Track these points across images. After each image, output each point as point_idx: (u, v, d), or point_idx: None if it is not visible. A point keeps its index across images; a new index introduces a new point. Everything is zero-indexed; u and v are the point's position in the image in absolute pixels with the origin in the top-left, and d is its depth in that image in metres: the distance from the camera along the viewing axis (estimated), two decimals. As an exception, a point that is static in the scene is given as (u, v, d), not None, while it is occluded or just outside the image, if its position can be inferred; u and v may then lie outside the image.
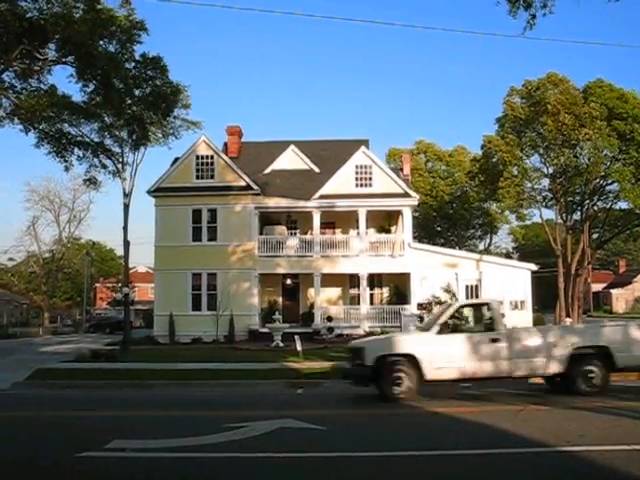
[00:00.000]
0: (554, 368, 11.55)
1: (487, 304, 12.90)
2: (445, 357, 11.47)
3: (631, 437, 7.43)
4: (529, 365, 11.55)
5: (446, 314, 12.28)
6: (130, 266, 40.69)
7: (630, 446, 6.92)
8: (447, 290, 19.81)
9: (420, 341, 12.09)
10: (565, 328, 13.83)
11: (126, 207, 28.18)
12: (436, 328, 11.97)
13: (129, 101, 27.04)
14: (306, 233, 31.95)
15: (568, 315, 31.13)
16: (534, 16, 11.48)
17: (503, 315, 13.07)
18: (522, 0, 11.37)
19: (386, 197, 30.72)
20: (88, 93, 26.21)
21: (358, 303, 30.80)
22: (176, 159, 32.43)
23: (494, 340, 11.55)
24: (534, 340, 11.93)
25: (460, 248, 50.96)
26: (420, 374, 11.36)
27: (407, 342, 12.24)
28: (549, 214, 38.62)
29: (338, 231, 32.87)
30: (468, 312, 12.87)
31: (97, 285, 73.29)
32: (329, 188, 30.85)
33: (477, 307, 13.24)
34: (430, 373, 11.38)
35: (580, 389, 11.32)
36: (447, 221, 59.26)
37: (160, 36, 43.43)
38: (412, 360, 11.37)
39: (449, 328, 11.91)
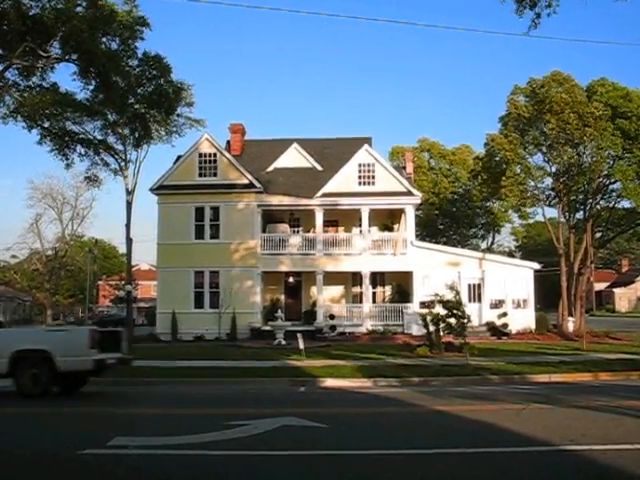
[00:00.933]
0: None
1: None
2: None
3: (634, 436, 7.42)
4: None
5: None
6: (133, 264, 40.79)
7: (633, 445, 6.90)
8: (452, 288, 19.66)
9: None
10: (10, 331, 14.49)
11: (129, 205, 28.28)
12: None
13: (132, 99, 27.10)
14: (309, 231, 31.95)
15: (571, 314, 31.04)
16: (539, 15, 11.50)
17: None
18: (528, -1, 11.36)
19: (389, 195, 30.71)
20: (91, 91, 26.30)
21: (360, 301, 30.80)
22: (179, 157, 32.42)
23: None
24: None
25: (463, 247, 50.86)
26: None
27: None
28: (552, 213, 38.42)
29: (341, 229, 32.88)
30: None
31: (100, 283, 73.41)
32: (332, 186, 30.83)
33: None
34: None
35: (24, 390, 11.84)
36: (450, 220, 59.18)
37: (164, 34, 43.63)
38: None
39: None
